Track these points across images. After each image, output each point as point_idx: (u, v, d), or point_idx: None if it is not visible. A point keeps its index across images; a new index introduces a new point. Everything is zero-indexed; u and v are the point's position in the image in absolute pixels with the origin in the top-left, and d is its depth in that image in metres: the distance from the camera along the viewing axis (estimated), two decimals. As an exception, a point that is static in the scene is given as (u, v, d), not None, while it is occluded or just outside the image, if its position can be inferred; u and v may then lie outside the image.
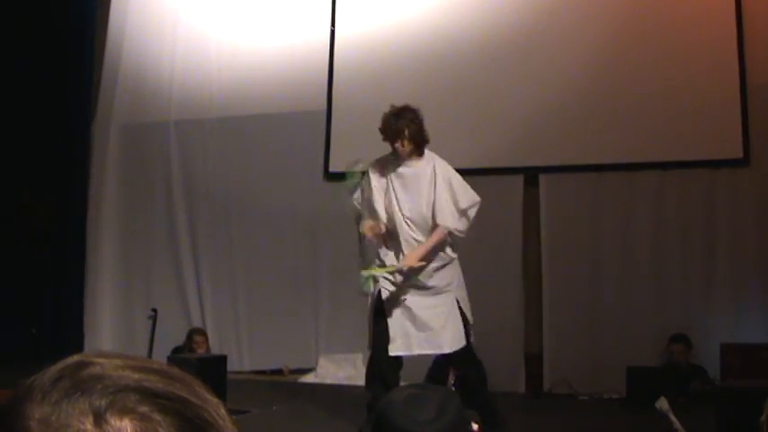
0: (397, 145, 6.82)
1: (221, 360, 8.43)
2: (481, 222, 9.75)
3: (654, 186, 9.72)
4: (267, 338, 10.85)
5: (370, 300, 7.07)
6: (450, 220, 6.88)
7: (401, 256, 6.94)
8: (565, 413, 8.63)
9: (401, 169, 6.96)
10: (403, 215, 6.95)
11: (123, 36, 11.89)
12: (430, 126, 10.26)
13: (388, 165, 7.03)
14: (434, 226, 6.86)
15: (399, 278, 6.94)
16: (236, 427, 0.93)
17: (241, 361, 10.85)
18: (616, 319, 9.54)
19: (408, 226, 6.94)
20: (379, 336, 6.92)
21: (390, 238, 7.03)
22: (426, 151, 7.03)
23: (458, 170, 9.83)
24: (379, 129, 6.93)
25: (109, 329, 11.46)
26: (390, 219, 6.99)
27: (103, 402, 0.84)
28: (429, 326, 6.93)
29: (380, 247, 7.07)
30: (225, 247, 11.22)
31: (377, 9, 10.82)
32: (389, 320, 6.90)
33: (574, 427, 8.01)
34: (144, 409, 0.85)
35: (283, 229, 10.83)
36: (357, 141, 10.51)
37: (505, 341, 9.80)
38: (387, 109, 7.04)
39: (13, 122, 11.35)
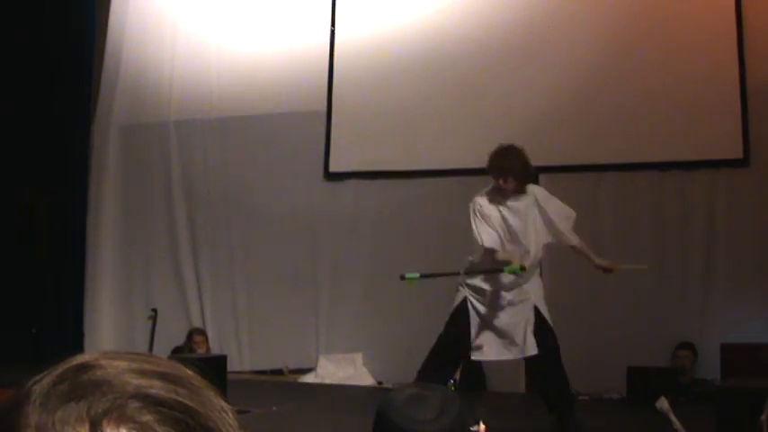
0: (502, 183, 7.10)
1: (221, 360, 8.41)
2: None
3: (654, 186, 9.71)
4: (267, 338, 10.84)
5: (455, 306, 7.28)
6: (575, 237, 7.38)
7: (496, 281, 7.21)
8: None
9: (510, 203, 7.21)
10: (522, 244, 7.19)
11: (123, 36, 11.88)
12: (430, 127, 10.31)
13: (495, 196, 7.24)
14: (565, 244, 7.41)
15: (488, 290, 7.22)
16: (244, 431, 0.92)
17: (241, 361, 10.84)
18: (616, 319, 9.53)
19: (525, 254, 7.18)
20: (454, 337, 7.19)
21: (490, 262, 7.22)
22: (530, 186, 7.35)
23: (458, 170, 9.88)
24: (487, 168, 7.23)
25: (109, 329, 11.45)
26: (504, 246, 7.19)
27: (101, 410, 0.82)
28: (509, 334, 7.23)
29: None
30: (225, 247, 11.21)
31: (377, 10, 10.82)
32: (473, 327, 7.18)
33: (574, 427, 7.99)
34: (143, 418, 0.82)
35: (283, 229, 10.82)
36: (357, 142, 10.54)
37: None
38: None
39: (13, 122, 11.34)
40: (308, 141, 10.86)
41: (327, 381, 10.14)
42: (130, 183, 11.74)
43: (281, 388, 9.99)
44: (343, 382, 9.97)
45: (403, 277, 7.29)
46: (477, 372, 9.61)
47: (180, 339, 10.51)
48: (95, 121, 11.83)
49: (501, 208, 7.17)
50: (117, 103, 11.78)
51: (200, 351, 10.11)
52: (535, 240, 7.21)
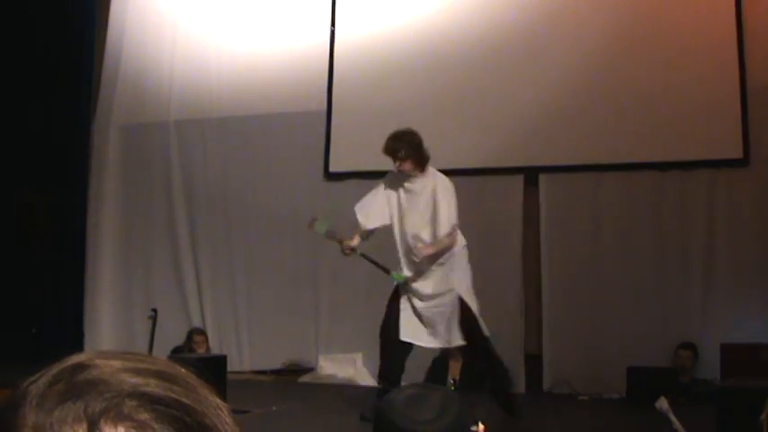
0: (398, 165, 7.44)
1: (221, 360, 8.42)
2: (481, 222, 9.80)
3: (654, 186, 9.72)
4: (267, 338, 10.84)
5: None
6: (447, 227, 7.35)
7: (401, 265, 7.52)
8: (565, 413, 8.63)
9: (408, 185, 7.52)
10: (406, 225, 7.49)
11: (123, 36, 11.88)
12: (430, 127, 10.29)
13: (397, 178, 7.60)
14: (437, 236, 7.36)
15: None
16: (240, 429, 0.92)
17: (241, 361, 10.84)
18: (616, 319, 9.54)
19: (408, 240, 7.45)
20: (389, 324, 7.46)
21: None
22: (430, 168, 7.55)
23: (458, 170, 9.87)
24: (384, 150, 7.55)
25: (109, 329, 11.46)
26: (395, 226, 7.58)
27: (98, 409, 0.82)
28: (432, 323, 7.43)
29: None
30: (225, 247, 11.21)
31: (377, 10, 10.82)
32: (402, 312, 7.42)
33: (574, 427, 8.01)
34: (141, 416, 0.82)
35: (283, 229, 10.82)
36: (357, 141, 10.53)
37: (505, 341, 9.78)
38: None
39: (12, 122, 11.35)
40: (309, 141, 10.86)
41: (327, 381, 10.14)
42: (130, 182, 11.75)
43: (280, 388, 9.99)
44: (343, 382, 9.97)
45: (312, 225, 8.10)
46: (477, 372, 9.60)
47: (180, 339, 10.51)
48: (95, 120, 11.84)
49: (400, 190, 7.52)
50: (117, 103, 11.79)
51: (200, 351, 10.11)
52: (430, 222, 7.38)
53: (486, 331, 7.52)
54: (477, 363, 7.66)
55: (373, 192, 7.73)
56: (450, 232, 7.29)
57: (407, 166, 7.37)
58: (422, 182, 7.43)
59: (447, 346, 7.56)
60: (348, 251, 7.63)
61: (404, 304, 7.44)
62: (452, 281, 7.40)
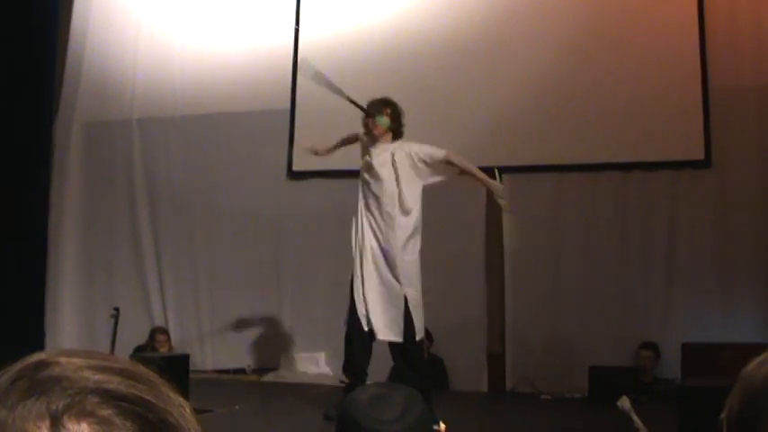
0: (373, 126, 7.61)
1: (184, 359, 8.38)
2: (444, 222, 9.82)
3: (616, 187, 9.78)
4: (230, 337, 10.81)
5: None
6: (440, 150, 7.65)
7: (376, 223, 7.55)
8: (527, 412, 8.65)
9: (373, 149, 7.63)
10: (376, 189, 7.54)
11: (86, 33, 11.82)
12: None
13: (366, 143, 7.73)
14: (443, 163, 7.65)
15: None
16: (201, 427, 0.92)
17: (203, 360, 10.80)
18: (578, 319, 9.59)
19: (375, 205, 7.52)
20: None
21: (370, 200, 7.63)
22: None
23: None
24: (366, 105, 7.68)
25: (70, 328, 11.38)
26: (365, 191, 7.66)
27: (61, 405, 0.82)
28: (373, 309, 7.36)
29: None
30: (187, 245, 11.17)
31: (342, 8, 10.83)
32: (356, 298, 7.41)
33: (536, 426, 8.04)
34: (103, 412, 0.82)
35: (246, 227, 10.80)
36: (321, 141, 10.50)
37: (468, 340, 9.84)
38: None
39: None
40: (272, 140, 10.84)
41: (290, 380, 10.12)
42: (93, 180, 11.68)
43: (243, 387, 9.97)
44: (305, 382, 9.95)
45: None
46: (439, 371, 9.63)
47: (142, 338, 10.47)
48: (57, 118, 11.76)
49: (371, 149, 7.62)
50: (80, 101, 11.72)
51: (163, 350, 10.08)
52: (402, 186, 7.44)
53: (421, 333, 7.44)
54: (407, 365, 7.55)
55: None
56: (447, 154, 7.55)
57: (380, 130, 7.54)
58: (389, 148, 7.56)
59: (384, 338, 7.38)
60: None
61: (362, 295, 7.37)
62: (399, 275, 7.34)
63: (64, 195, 11.62)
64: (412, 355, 7.38)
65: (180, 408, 0.88)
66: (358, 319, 7.31)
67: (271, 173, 10.85)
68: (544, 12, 10.07)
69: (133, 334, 10.64)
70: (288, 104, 10.86)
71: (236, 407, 8.23)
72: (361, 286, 7.35)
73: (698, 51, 9.56)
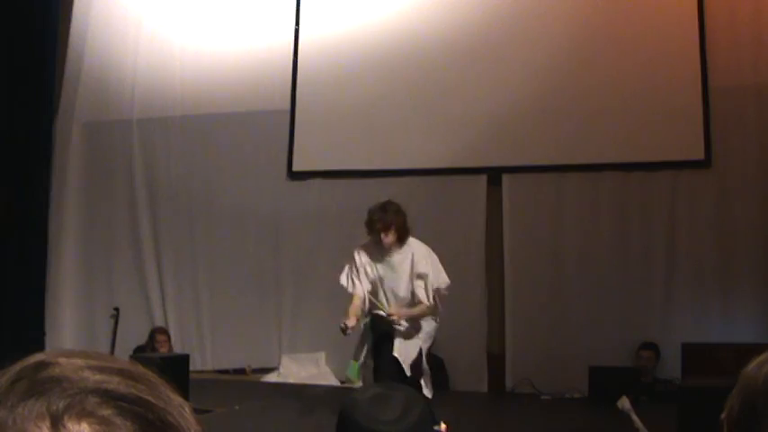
0: (383, 236, 7.35)
1: (184, 359, 8.38)
2: (444, 222, 9.83)
3: (616, 187, 9.77)
4: (230, 338, 10.81)
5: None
6: (426, 296, 7.47)
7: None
8: (527, 412, 8.65)
9: (387, 258, 7.51)
10: (385, 292, 7.56)
11: (86, 32, 11.81)
12: (393, 127, 10.33)
13: (374, 251, 7.55)
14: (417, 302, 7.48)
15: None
16: (201, 427, 0.92)
17: (203, 360, 10.80)
18: (578, 319, 9.58)
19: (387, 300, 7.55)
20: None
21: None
22: (410, 239, 7.55)
23: (422, 170, 9.90)
24: (365, 222, 7.42)
25: (70, 328, 11.37)
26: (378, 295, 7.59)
27: (61, 405, 0.82)
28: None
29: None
30: (188, 246, 11.16)
31: (341, 9, 10.82)
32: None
33: (536, 426, 8.04)
34: (104, 412, 0.82)
35: (246, 228, 10.80)
36: (320, 141, 10.54)
37: (468, 341, 9.84)
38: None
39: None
40: (272, 140, 10.84)
41: (290, 380, 10.12)
42: (93, 180, 11.66)
43: (243, 387, 9.96)
44: (305, 382, 9.95)
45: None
46: (439, 371, 9.63)
47: (142, 339, 10.47)
48: (57, 118, 11.75)
49: (378, 264, 7.53)
50: (80, 100, 11.71)
51: (163, 350, 10.08)
52: (407, 289, 7.52)
53: (427, 370, 7.64)
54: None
55: (352, 263, 7.64)
56: (434, 302, 7.45)
57: (390, 239, 7.38)
58: (400, 253, 7.49)
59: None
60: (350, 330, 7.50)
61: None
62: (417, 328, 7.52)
63: (64, 195, 11.60)
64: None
65: (180, 407, 0.88)
66: None
67: (271, 173, 10.85)
68: (544, 12, 10.07)
69: (133, 334, 10.66)
70: (288, 104, 10.85)
71: (236, 407, 8.23)
72: None
73: (698, 51, 9.56)
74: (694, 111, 9.49)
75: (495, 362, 9.89)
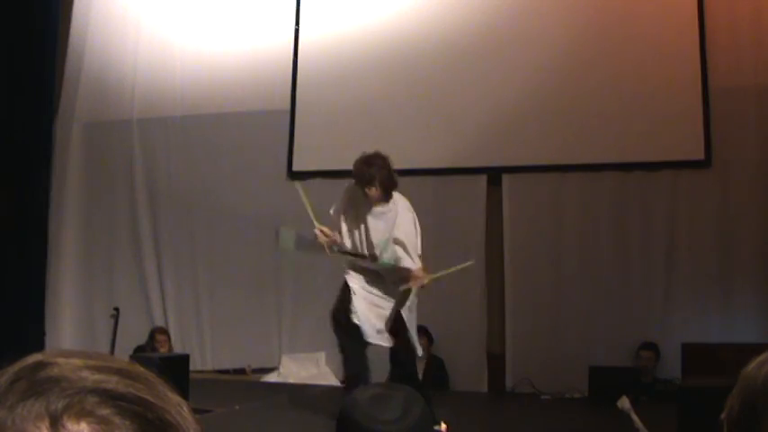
0: (367, 190, 7.18)
1: (184, 359, 8.37)
2: (445, 222, 9.83)
3: (616, 187, 9.77)
4: (230, 338, 10.81)
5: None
6: (409, 264, 7.22)
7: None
8: (527, 412, 8.65)
9: (367, 208, 7.32)
10: (367, 245, 7.37)
11: (86, 32, 11.81)
12: (393, 127, 10.32)
13: (360, 200, 7.37)
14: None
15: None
16: (200, 426, 0.92)
17: (203, 360, 10.81)
18: (578, 319, 9.59)
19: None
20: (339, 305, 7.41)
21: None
22: (394, 194, 7.36)
23: (422, 170, 9.90)
24: (352, 174, 7.31)
25: (70, 328, 11.38)
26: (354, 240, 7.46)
27: (60, 405, 0.82)
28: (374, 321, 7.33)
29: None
30: (188, 245, 11.17)
31: (341, 9, 10.82)
32: (359, 312, 7.27)
33: (536, 426, 8.03)
34: (103, 411, 0.83)
35: (246, 228, 10.79)
36: (320, 140, 10.53)
37: (468, 341, 9.84)
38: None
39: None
40: (272, 140, 10.84)
41: (290, 380, 10.12)
42: (93, 180, 11.67)
43: (243, 387, 9.96)
44: (305, 382, 9.95)
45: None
46: (439, 371, 9.64)
47: (142, 339, 10.47)
48: (57, 117, 11.76)
49: (364, 211, 7.37)
50: (80, 100, 11.71)
51: (163, 350, 10.08)
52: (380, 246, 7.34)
53: (419, 351, 7.48)
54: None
55: (339, 201, 7.58)
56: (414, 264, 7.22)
57: (375, 193, 7.21)
58: (383, 208, 7.33)
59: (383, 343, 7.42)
60: (331, 246, 7.40)
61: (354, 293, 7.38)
62: (395, 292, 7.35)
63: (64, 195, 11.61)
64: None
65: (178, 407, 0.89)
66: None
67: (271, 173, 10.85)
68: (544, 12, 10.07)
69: (133, 334, 10.66)
70: (288, 104, 10.85)
71: (237, 407, 8.23)
72: None
73: (698, 51, 9.56)
74: (694, 111, 9.49)
75: (495, 362, 9.90)
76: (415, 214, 7.35)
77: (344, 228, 7.47)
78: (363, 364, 7.36)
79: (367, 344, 7.32)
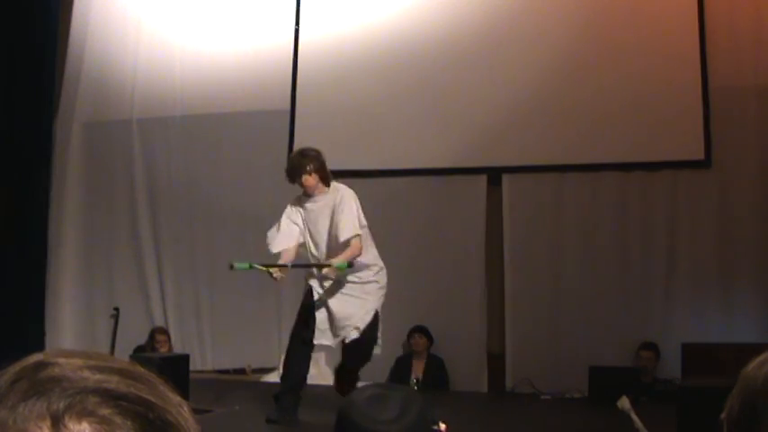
0: (304, 181, 7.28)
1: (184, 359, 8.37)
2: (445, 222, 9.83)
3: (616, 187, 9.78)
4: (229, 338, 10.81)
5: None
6: (350, 232, 7.25)
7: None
8: (527, 412, 8.65)
9: (309, 204, 7.41)
10: (315, 244, 7.45)
11: (86, 33, 11.81)
12: (393, 126, 10.32)
13: (301, 202, 7.49)
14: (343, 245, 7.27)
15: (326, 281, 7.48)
16: (200, 426, 0.92)
17: (203, 360, 10.81)
18: (578, 319, 9.59)
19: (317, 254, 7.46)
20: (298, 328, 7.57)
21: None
22: (333, 183, 7.44)
23: (422, 170, 9.89)
24: (285, 170, 7.42)
25: (71, 328, 11.38)
26: (306, 245, 7.51)
27: (62, 405, 0.82)
28: (338, 317, 7.42)
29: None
30: (187, 245, 11.16)
31: (342, 9, 10.82)
32: (317, 314, 7.45)
33: (536, 426, 8.03)
34: (104, 411, 0.83)
35: (246, 228, 10.78)
36: (320, 141, 10.47)
37: (468, 340, 9.84)
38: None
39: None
40: (272, 140, 10.82)
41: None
42: (93, 180, 11.67)
43: (243, 387, 9.96)
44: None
45: (232, 266, 7.53)
46: (439, 371, 9.64)
47: (142, 338, 10.47)
48: (57, 117, 11.75)
49: (301, 209, 7.45)
50: (80, 100, 11.71)
51: (163, 350, 10.08)
52: (325, 238, 7.40)
53: (378, 350, 7.59)
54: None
55: (280, 219, 7.55)
56: (351, 238, 7.19)
57: (311, 181, 7.28)
58: (323, 199, 7.36)
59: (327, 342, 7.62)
60: (277, 278, 7.28)
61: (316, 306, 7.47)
62: (359, 306, 7.41)
63: (64, 195, 11.61)
64: None
65: (179, 407, 0.89)
66: None
67: (271, 173, 10.83)
68: (544, 12, 10.07)
69: (133, 334, 10.66)
70: (288, 105, 10.85)
71: (236, 407, 8.23)
72: None
73: (698, 51, 9.56)
74: (694, 111, 9.49)
75: (495, 362, 9.90)
76: (358, 203, 7.38)
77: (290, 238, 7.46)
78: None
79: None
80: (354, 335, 7.36)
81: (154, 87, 11.46)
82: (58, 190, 11.66)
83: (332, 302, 7.39)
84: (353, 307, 7.37)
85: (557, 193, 9.96)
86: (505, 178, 10.09)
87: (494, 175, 10.13)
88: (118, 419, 0.83)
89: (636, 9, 9.86)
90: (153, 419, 0.85)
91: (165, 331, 10.56)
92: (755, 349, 1.55)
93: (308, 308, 7.48)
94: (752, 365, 1.44)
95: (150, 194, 11.38)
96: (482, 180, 10.13)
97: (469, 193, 10.10)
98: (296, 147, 10.60)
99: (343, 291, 7.39)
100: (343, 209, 7.24)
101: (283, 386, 7.59)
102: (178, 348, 10.55)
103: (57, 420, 0.81)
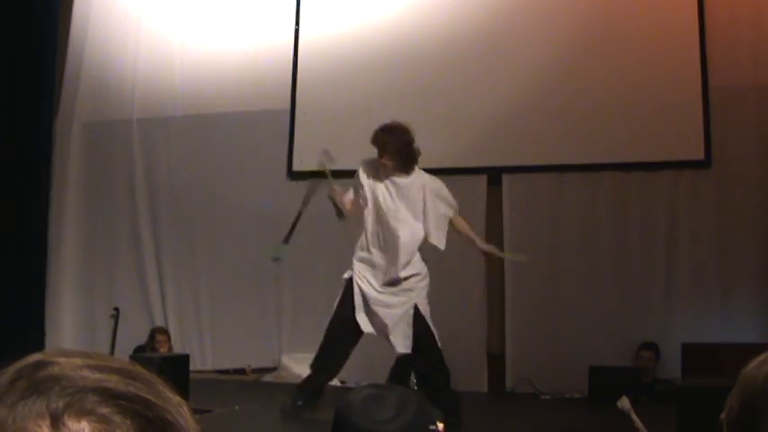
0: (383, 160, 7.14)
1: (184, 359, 8.36)
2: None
3: (616, 187, 9.78)
4: (230, 337, 10.81)
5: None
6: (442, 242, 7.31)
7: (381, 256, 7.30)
8: (527, 413, 8.65)
9: (394, 179, 7.25)
10: (396, 220, 7.26)
11: (86, 32, 11.81)
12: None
13: (379, 171, 7.31)
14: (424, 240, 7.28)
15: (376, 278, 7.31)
16: (199, 426, 0.92)
17: (204, 360, 10.80)
18: (578, 319, 9.58)
19: (398, 233, 7.24)
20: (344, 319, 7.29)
21: (374, 237, 7.36)
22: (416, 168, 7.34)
23: (422, 170, 9.87)
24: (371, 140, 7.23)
25: (70, 328, 11.37)
26: (379, 221, 7.30)
27: (61, 404, 0.82)
28: (384, 322, 7.25)
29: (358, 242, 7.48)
30: (188, 245, 11.16)
31: (342, 8, 10.82)
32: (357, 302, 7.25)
33: (536, 426, 8.03)
34: (103, 410, 0.83)
35: (246, 228, 10.79)
36: (321, 141, 10.50)
37: (468, 341, 9.83)
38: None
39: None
40: (272, 140, 10.84)
41: (290, 380, 10.11)
42: (93, 180, 11.67)
43: (243, 387, 9.97)
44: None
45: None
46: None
47: (142, 338, 10.47)
48: (57, 117, 11.75)
49: (381, 183, 7.28)
50: (80, 100, 11.70)
51: (163, 350, 10.07)
52: (410, 225, 7.26)
53: (439, 343, 7.46)
54: (431, 374, 7.56)
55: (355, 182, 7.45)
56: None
57: (390, 162, 7.14)
58: (408, 178, 7.25)
59: (395, 348, 7.38)
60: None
61: (357, 298, 7.29)
62: (411, 285, 7.29)
63: (64, 195, 11.60)
64: None
65: (178, 406, 0.89)
66: None
67: (271, 173, 10.85)
68: (544, 12, 10.07)
69: (133, 334, 10.66)
70: (288, 104, 10.85)
71: (236, 407, 8.23)
72: None
73: (698, 50, 9.56)
74: (694, 110, 9.49)
75: (495, 362, 9.90)
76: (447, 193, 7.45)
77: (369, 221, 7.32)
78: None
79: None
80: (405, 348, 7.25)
81: (154, 87, 11.46)
82: (58, 190, 11.65)
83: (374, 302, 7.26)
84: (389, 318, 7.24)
85: (556, 193, 9.96)
86: (505, 178, 10.09)
87: (494, 175, 10.13)
88: (117, 418, 0.83)
89: (635, 8, 9.86)
90: (152, 418, 0.85)
91: (165, 331, 10.56)
92: (755, 349, 1.55)
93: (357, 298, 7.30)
94: (752, 365, 1.45)
95: (150, 194, 11.38)
96: (482, 180, 10.14)
97: (469, 193, 10.08)
98: (296, 147, 10.63)
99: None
100: (431, 209, 7.28)
101: (316, 378, 7.48)
102: (178, 348, 10.55)
103: (56, 419, 0.81)
